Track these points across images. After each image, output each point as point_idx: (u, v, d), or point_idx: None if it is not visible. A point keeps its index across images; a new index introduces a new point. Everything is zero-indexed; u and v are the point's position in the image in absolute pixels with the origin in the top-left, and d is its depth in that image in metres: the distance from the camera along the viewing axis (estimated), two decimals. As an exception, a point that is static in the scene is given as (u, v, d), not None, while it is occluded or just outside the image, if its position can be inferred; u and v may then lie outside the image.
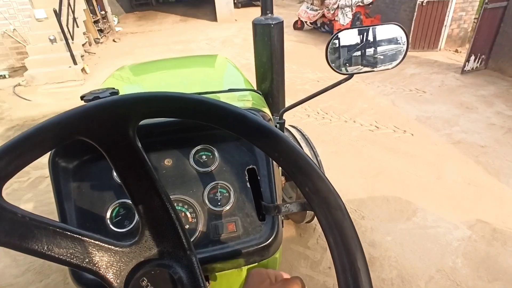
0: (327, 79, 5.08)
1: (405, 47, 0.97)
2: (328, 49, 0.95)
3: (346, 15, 6.89)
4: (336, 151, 3.17)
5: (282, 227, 0.81)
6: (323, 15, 7.57)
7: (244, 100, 0.99)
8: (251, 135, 0.37)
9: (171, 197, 0.73)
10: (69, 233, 0.36)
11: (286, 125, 2.13)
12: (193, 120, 0.38)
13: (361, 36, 1.02)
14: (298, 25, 8.70)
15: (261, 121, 0.37)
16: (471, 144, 3.21)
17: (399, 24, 0.96)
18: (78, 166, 0.74)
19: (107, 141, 0.37)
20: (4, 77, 6.28)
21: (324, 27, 8.01)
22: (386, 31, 0.98)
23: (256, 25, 1.30)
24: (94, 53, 7.54)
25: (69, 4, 6.50)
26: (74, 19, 6.73)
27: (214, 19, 10.68)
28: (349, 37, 0.98)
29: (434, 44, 6.42)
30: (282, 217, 0.85)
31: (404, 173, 2.81)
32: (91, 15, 8.33)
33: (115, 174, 0.75)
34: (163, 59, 1.76)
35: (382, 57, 0.99)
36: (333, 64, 0.98)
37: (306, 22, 8.43)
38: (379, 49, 1.01)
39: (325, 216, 0.34)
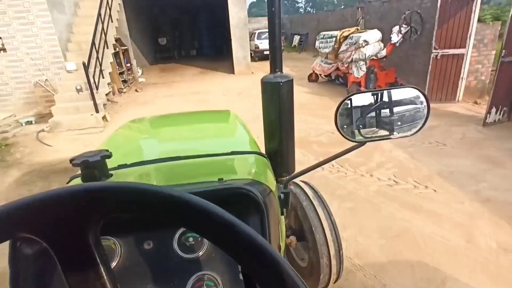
0: (343, 130, 5.03)
1: (425, 111, 0.90)
2: (339, 113, 0.89)
3: (360, 68, 7.06)
4: (353, 208, 2.99)
5: None
6: (337, 68, 7.81)
7: (245, 168, 0.92)
8: (242, 258, 0.29)
9: None
10: None
11: (298, 181, 2.03)
12: (170, 222, 0.31)
13: (375, 97, 0.97)
14: (313, 78, 8.98)
15: (253, 236, 0.29)
16: (502, 203, 2.96)
17: (418, 88, 0.91)
18: (41, 251, 0.65)
19: (58, 245, 0.30)
20: (31, 123, 6.62)
21: (339, 80, 8.21)
22: (404, 94, 0.92)
23: (265, 82, 1.29)
24: (117, 102, 7.93)
25: (97, 58, 7.04)
26: (101, 71, 7.22)
27: (232, 71, 11.23)
28: (362, 100, 0.92)
29: (452, 95, 6.39)
30: None
31: (429, 235, 2.57)
32: (117, 67, 8.95)
33: None
34: (174, 114, 1.77)
35: (399, 122, 0.92)
36: (344, 130, 0.91)
37: (320, 74, 8.70)
38: (396, 111, 0.94)
39: None
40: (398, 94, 0.93)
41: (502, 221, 2.71)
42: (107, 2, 8.06)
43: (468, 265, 2.26)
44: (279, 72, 1.30)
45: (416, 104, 0.97)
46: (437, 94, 6.45)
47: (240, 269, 0.67)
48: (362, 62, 7.07)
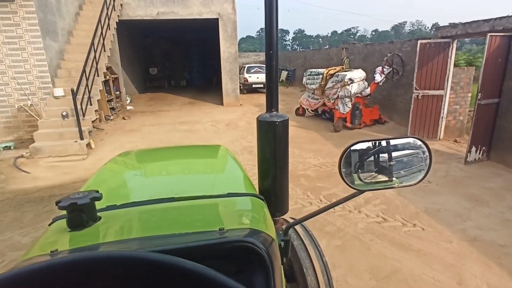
0: (329, 165, 5.06)
1: (427, 161, 0.90)
2: (342, 163, 0.88)
3: (346, 104, 7.29)
4: (342, 245, 2.92)
5: None
6: (324, 104, 8.03)
7: (244, 214, 0.88)
8: None
9: None
10: None
11: (287, 217, 1.97)
12: None
13: (373, 143, 0.96)
14: (300, 112, 9.19)
15: None
16: (489, 243, 2.96)
17: (419, 138, 0.92)
18: None
19: None
20: (9, 148, 6.36)
21: (325, 115, 8.42)
22: (404, 144, 0.93)
23: (260, 121, 1.27)
24: (103, 129, 7.80)
25: (87, 85, 6.99)
26: (89, 98, 7.14)
27: (221, 103, 11.38)
28: (363, 146, 0.91)
29: (433, 134, 6.61)
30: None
31: (420, 276, 2.51)
32: (106, 94, 8.91)
33: None
34: (162, 148, 1.73)
35: (398, 167, 0.91)
36: (347, 178, 0.90)
37: (307, 109, 8.92)
38: (395, 155, 0.94)
39: None
40: (398, 143, 0.94)
41: (491, 261, 2.69)
42: (101, 32, 8.18)
43: (461, 309, 2.19)
44: (275, 112, 1.29)
45: (414, 149, 0.97)
46: (419, 132, 6.66)
47: None
48: (347, 99, 7.31)
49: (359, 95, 7.37)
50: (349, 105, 7.30)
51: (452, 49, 6.25)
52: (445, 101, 6.51)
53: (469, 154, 5.08)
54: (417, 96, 6.63)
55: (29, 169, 5.26)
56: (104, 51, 8.47)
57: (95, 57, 7.64)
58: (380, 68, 7.52)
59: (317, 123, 8.20)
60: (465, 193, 4.02)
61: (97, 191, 0.70)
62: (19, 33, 6.95)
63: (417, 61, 6.50)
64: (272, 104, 1.27)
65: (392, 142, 0.92)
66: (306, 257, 1.75)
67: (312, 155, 5.55)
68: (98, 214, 0.75)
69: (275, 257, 0.72)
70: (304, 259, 1.74)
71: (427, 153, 0.90)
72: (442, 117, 6.58)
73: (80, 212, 0.66)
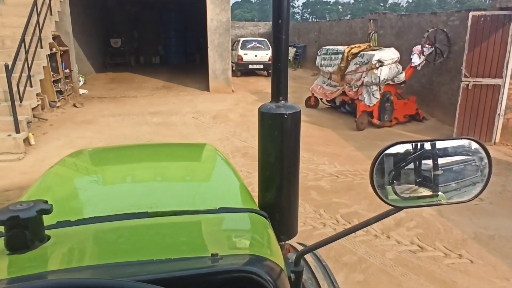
0: (349, 174, 5.09)
1: (486, 171, 0.91)
2: (374, 170, 0.88)
3: (373, 94, 7.32)
4: (365, 281, 2.94)
5: None
6: (343, 93, 8.06)
7: (242, 236, 0.88)
8: None
9: None
10: None
11: (293, 243, 1.98)
12: None
13: (414, 146, 0.97)
14: (312, 102, 9.22)
15: None
16: (557, 282, 3.00)
17: (476, 140, 0.92)
18: None
19: None
20: None
21: (345, 107, 8.45)
22: (455, 147, 0.94)
23: (263, 113, 1.28)
24: (46, 120, 7.76)
25: (26, 59, 6.95)
26: (29, 77, 7.11)
27: (206, 88, 11.39)
28: (399, 149, 0.92)
29: (487, 136, 6.67)
30: None
31: (466, 323, 2.54)
32: (52, 73, 8.87)
33: None
34: (132, 145, 1.74)
35: (445, 179, 0.92)
36: (381, 191, 0.90)
37: (321, 99, 8.95)
38: (442, 162, 0.94)
39: None
40: (446, 146, 0.94)
41: (560, 307, 2.73)
42: (47, -11, 8.16)
43: None
44: (283, 101, 1.29)
45: (467, 155, 0.98)
46: (469, 133, 6.72)
47: None
48: (375, 87, 7.35)
49: (390, 82, 7.41)
50: (377, 95, 7.34)
51: (514, 23, 6.30)
52: (503, 93, 6.57)
53: (533, 164, 5.14)
54: (467, 85, 6.69)
55: None
56: (51, 14, 8.45)
57: (38, 22, 7.61)
58: (418, 47, 7.58)
59: (333, 118, 8.25)
60: (528, 216, 4.07)
61: (46, 202, 0.70)
62: None
63: (468, 39, 6.56)
64: (279, 91, 1.28)
65: (439, 144, 0.93)
66: (317, 295, 1.76)
67: (326, 161, 5.58)
68: (47, 232, 0.75)
69: None
70: (315, 298, 1.76)
71: (485, 160, 0.91)
72: (499, 114, 6.64)
73: (23, 229, 0.67)
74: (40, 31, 7.78)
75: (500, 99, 6.60)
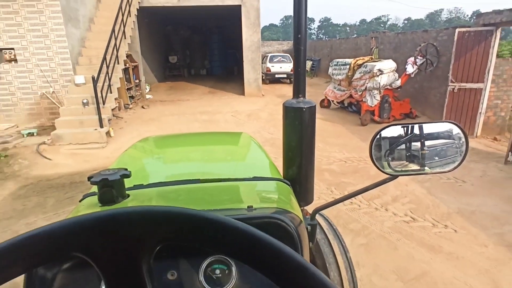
0: (355, 160, 4.99)
1: (463, 148, 0.87)
2: (373, 146, 0.87)
3: (374, 97, 7.11)
4: (367, 244, 2.89)
5: None
6: (351, 96, 7.88)
7: (271, 196, 0.89)
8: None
9: None
10: None
11: (310, 209, 1.97)
12: (229, 256, 0.30)
13: (405, 130, 0.94)
14: (325, 104, 9.07)
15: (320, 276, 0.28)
16: (529, 250, 2.83)
17: (455, 122, 0.88)
18: (59, 274, 0.62)
19: (110, 269, 0.29)
20: (32, 134, 6.69)
21: (352, 107, 8.26)
22: (438, 129, 0.90)
23: (287, 107, 1.27)
24: (122, 118, 8.03)
25: (107, 72, 7.20)
26: (109, 86, 7.37)
27: (242, 93, 11.41)
28: (394, 131, 0.90)
29: (469, 131, 6.34)
30: None
31: (450, 280, 2.45)
32: (126, 82, 9.15)
33: None
34: (186, 134, 1.77)
35: (430, 157, 0.89)
36: (378, 163, 0.89)
37: (332, 101, 8.79)
38: (428, 144, 0.91)
39: None
40: (432, 128, 0.91)
41: (531, 269, 2.58)
42: (122, 19, 8.37)
43: (495, 317, 2.12)
44: (302, 98, 1.28)
45: (450, 139, 0.94)
46: (454, 128, 6.41)
47: None
48: (376, 91, 7.13)
49: (388, 87, 7.17)
50: (378, 97, 7.12)
51: (495, 38, 5.94)
52: (484, 95, 6.22)
53: (510, 153, 4.85)
54: (453, 89, 6.38)
55: (50, 155, 5.52)
56: (125, 38, 8.68)
57: (115, 44, 7.85)
58: (412, 58, 7.27)
59: (343, 116, 8.08)
60: (505, 196, 3.85)
61: (126, 169, 0.73)
62: (43, 20, 7.24)
63: (454, 51, 6.24)
64: (299, 89, 1.27)
65: (426, 126, 0.89)
66: (329, 252, 1.74)
67: (337, 149, 5.49)
68: (127, 192, 0.79)
69: (304, 238, 0.72)
70: (328, 254, 1.74)
71: (463, 139, 0.87)
72: (481, 112, 6.30)
73: (111, 188, 0.69)
74: (117, 51, 8.02)
75: (481, 100, 6.26)
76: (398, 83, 7.24)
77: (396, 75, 7.20)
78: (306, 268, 0.28)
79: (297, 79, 1.27)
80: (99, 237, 0.28)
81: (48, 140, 6.23)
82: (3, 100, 7.50)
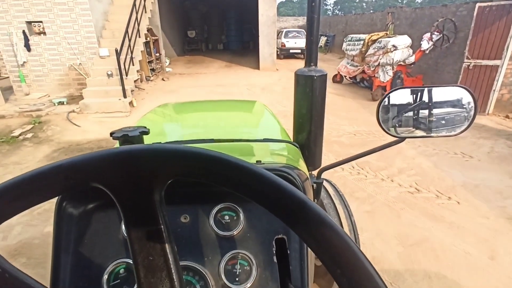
0: (364, 133, 4.91)
1: (472, 112, 0.83)
2: (380, 108, 0.84)
3: (387, 73, 6.85)
4: (372, 211, 2.90)
5: None
6: (363, 71, 7.62)
7: (280, 154, 0.89)
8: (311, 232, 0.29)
9: (182, 263, 0.62)
10: None
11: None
12: (234, 191, 0.31)
13: (414, 96, 0.91)
14: (337, 79, 8.82)
15: (325, 217, 0.28)
16: (530, 222, 2.79)
17: (465, 87, 0.84)
18: (85, 212, 0.65)
19: (125, 198, 0.31)
20: (63, 103, 6.85)
21: (364, 83, 8.02)
22: (447, 93, 0.86)
23: (298, 75, 1.24)
24: (144, 89, 8.08)
25: (129, 46, 7.17)
26: (132, 58, 7.36)
27: (257, 67, 11.20)
28: (402, 97, 0.86)
29: (482, 108, 6.08)
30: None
31: (449, 246, 2.46)
32: (147, 55, 9.11)
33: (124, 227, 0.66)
34: (202, 101, 1.77)
35: (437, 124, 0.86)
36: (385, 125, 0.86)
37: (345, 76, 8.53)
38: (436, 112, 0.88)
39: None
40: (442, 93, 0.87)
41: (529, 240, 2.55)
42: (142, -7, 8.19)
43: (490, 282, 2.14)
44: (313, 66, 1.24)
45: (458, 107, 0.90)
46: (466, 105, 6.16)
47: (274, 252, 0.64)
48: (389, 67, 6.85)
49: (401, 63, 6.86)
50: (390, 73, 6.85)
51: (516, 12, 5.51)
52: (500, 72, 5.88)
53: (520, 130, 4.65)
54: (468, 66, 6.05)
55: (79, 122, 5.67)
56: (145, 12, 8.54)
57: (136, 18, 7.74)
58: (428, 34, 6.88)
59: (354, 91, 7.87)
60: (510, 171, 3.74)
61: (145, 127, 0.74)
62: (68, -7, 7.17)
63: (473, 26, 5.85)
64: (311, 58, 1.23)
65: (435, 90, 0.86)
66: (335, 215, 1.77)
67: (347, 123, 5.40)
68: None
69: (309, 193, 0.73)
70: (333, 217, 1.76)
71: (472, 104, 0.83)
72: (494, 90, 5.99)
73: (131, 143, 0.71)
74: (138, 25, 7.93)
75: (497, 77, 5.93)
76: (412, 59, 6.92)
77: (411, 51, 6.87)
78: (305, 202, 0.28)
79: (310, 48, 1.23)
80: (116, 170, 0.30)
81: (77, 108, 6.38)
82: (35, 71, 7.63)
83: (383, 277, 1.95)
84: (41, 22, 7.26)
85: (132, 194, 0.30)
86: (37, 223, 2.81)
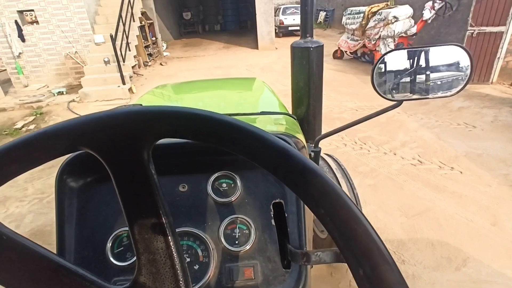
0: (366, 109, 4.88)
1: (468, 71, 0.82)
2: (375, 72, 0.84)
3: (388, 45, 6.71)
4: (375, 185, 2.93)
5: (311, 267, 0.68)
6: (364, 45, 7.46)
7: (277, 124, 0.90)
8: (298, 185, 0.29)
9: (182, 229, 0.64)
10: (58, 268, 0.30)
11: (321, 153, 2.00)
12: (220, 147, 0.31)
13: (411, 61, 0.90)
14: (338, 55, 8.66)
15: (312, 165, 0.28)
16: (533, 188, 2.81)
17: (461, 45, 0.83)
18: (85, 185, 0.68)
19: (113, 159, 0.31)
20: (62, 93, 6.85)
21: (365, 57, 7.88)
22: (443, 53, 0.85)
23: (294, 48, 1.23)
24: (142, 75, 8.02)
25: (124, 31, 7.06)
26: (127, 44, 7.26)
27: (256, 47, 11.01)
28: (398, 60, 0.85)
29: (485, 77, 5.98)
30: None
31: (452, 215, 2.49)
32: (143, 40, 8.97)
33: None
34: (201, 80, 1.76)
35: (438, 83, 0.85)
36: (380, 89, 0.86)
37: (346, 51, 8.37)
38: (434, 75, 0.87)
39: None
40: (438, 52, 0.85)
41: (532, 205, 2.58)
42: (134, -26, 7.97)
43: (492, 247, 2.18)
44: (309, 38, 1.23)
45: (454, 66, 0.89)
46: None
47: (272, 215, 0.67)
48: (390, 39, 6.71)
49: (403, 34, 6.70)
50: (392, 45, 6.71)
51: (522, -25, 5.31)
52: (505, 39, 5.74)
53: (525, 97, 4.59)
54: (472, 33, 5.90)
55: (80, 112, 5.68)
56: (138, -6, 8.34)
57: (129, 1, 7.57)
58: (430, 3, 6.66)
59: (355, 66, 7.74)
60: (514, 139, 3.73)
61: (141, 105, 0.75)
62: (58, -21, 6.99)
63: (477, -9, 5.65)
64: (306, 29, 1.21)
65: (432, 50, 0.84)
66: (337, 189, 1.79)
67: (348, 99, 5.36)
68: None
69: None
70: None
71: (468, 62, 0.82)
72: (499, 57, 5.87)
73: None
74: (132, 8, 7.76)
75: (501, 44, 5.79)
76: (414, 30, 6.75)
77: (412, 21, 6.69)
78: (286, 150, 0.28)
79: (304, 19, 1.21)
80: (102, 133, 0.30)
81: (76, 97, 6.38)
82: (32, 61, 7.57)
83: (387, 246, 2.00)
84: (32, 10, 7.13)
85: (119, 154, 0.31)
86: (48, 211, 2.88)
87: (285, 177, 0.28)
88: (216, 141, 0.30)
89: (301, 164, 0.28)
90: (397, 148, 3.59)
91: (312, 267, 0.74)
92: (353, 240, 0.25)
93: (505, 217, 2.46)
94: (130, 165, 0.31)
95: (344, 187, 1.81)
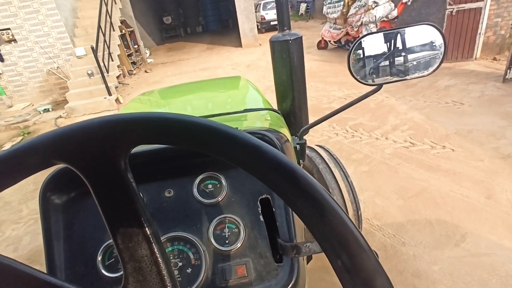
0: (355, 96, 4.90)
1: (442, 49, 0.83)
2: (351, 59, 0.84)
3: (371, 31, 6.75)
4: (369, 171, 2.96)
5: (308, 262, 0.68)
6: (347, 33, 7.50)
7: (261, 120, 0.90)
8: (272, 179, 0.29)
9: (172, 234, 0.64)
10: (48, 286, 0.30)
11: (313, 145, 2.01)
12: (196, 150, 0.31)
13: (388, 44, 0.90)
14: (322, 45, 8.68)
15: (285, 159, 0.28)
16: (523, 158, 2.86)
17: (433, 24, 0.83)
18: (69, 201, 0.67)
19: (90, 171, 0.31)
20: (48, 110, 6.75)
21: (349, 45, 7.91)
22: (417, 33, 0.85)
23: (273, 42, 1.23)
24: (128, 84, 7.95)
25: (105, 41, 6.98)
26: (109, 54, 7.18)
27: (239, 45, 10.98)
28: (374, 43, 0.86)
29: (469, 53, 6.06)
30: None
31: (447, 193, 2.53)
32: (125, 49, 8.89)
33: None
34: (185, 83, 1.76)
35: (415, 63, 0.86)
36: (358, 76, 0.87)
37: (329, 41, 8.40)
38: (411, 56, 0.88)
39: None
40: (412, 33, 0.86)
41: (524, 175, 2.63)
42: (109, -17, 7.87)
43: (489, 220, 2.22)
44: (287, 30, 1.23)
45: (431, 49, 0.90)
46: (453, 53, 6.13)
47: (260, 211, 0.67)
48: (372, 25, 6.76)
49: (385, 19, 6.76)
50: (375, 31, 6.75)
51: (495, -51, 5.37)
52: (484, 14, 5.81)
53: (508, 70, 4.66)
54: (451, 12, 5.96)
55: (68, 127, 5.60)
56: (115, 3, 8.25)
57: (107, 10, 7.49)
58: (409, -16, 6.73)
59: (340, 55, 7.78)
60: (501, 112, 3.79)
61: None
62: (31, -6, 6.87)
63: (452, -31, 5.71)
64: (283, 22, 1.21)
65: (407, 31, 0.85)
66: (331, 179, 1.80)
67: (336, 88, 5.38)
68: None
69: (289, 154, 0.75)
70: (330, 181, 1.80)
71: (441, 40, 0.83)
72: (480, 33, 5.94)
73: None
74: (110, 17, 7.68)
75: (481, 20, 5.86)
76: (395, 13, 6.80)
77: (392, 5, 6.74)
78: (259, 146, 0.28)
79: (280, 12, 1.21)
80: (74, 145, 0.30)
81: (63, 113, 6.30)
82: (14, 81, 7.45)
83: (386, 231, 2.00)
84: (9, 29, 7.01)
85: (94, 165, 0.30)
86: (44, 231, 2.85)
87: (260, 174, 0.29)
88: (190, 144, 0.30)
89: (275, 160, 0.28)
90: (388, 132, 3.62)
91: (305, 259, 0.75)
92: (329, 231, 0.26)
93: (499, 189, 2.51)
94: (107, 175, 0.31)
95: (338, 177, 1.82)
